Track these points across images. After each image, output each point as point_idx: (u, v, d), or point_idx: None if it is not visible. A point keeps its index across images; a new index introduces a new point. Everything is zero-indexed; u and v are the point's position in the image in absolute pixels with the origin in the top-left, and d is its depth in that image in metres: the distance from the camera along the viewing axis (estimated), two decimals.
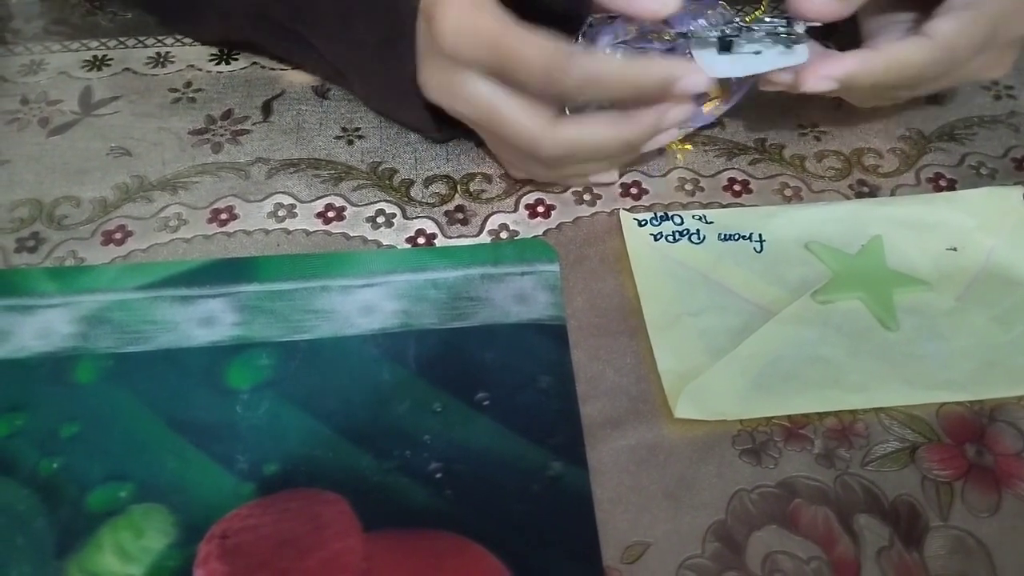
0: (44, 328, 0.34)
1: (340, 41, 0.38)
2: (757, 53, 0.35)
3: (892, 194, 0.41)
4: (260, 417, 0.32)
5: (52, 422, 0.32)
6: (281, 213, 0.39)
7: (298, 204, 0.39)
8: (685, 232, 0.38)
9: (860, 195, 0.40)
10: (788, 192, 0.40)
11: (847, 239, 0.37)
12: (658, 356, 0.33)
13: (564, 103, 0.35)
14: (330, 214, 0.39)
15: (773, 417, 0.32)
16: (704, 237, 0.37)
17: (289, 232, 0.38)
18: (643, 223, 0.38)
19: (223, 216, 0.39)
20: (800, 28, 0.35)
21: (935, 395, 0.33)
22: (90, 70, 0.46)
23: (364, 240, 0.38)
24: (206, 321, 0.35)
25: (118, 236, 0.38)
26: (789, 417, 0.32)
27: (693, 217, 0.38)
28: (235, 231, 0.38)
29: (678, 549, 0.29)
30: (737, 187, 0.41)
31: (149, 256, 0.37)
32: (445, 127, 0.38)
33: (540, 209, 0.39)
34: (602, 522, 0.29)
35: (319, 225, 0.39)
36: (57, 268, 0.37)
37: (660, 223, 0.38)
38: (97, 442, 0.31)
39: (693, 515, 0.30)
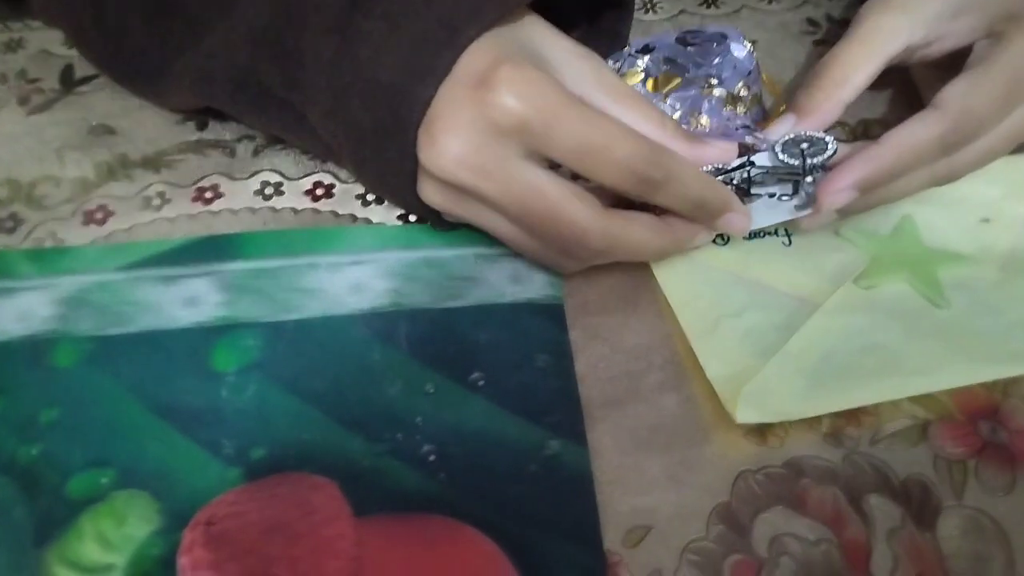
0: (23, 311, 0.33)
1: (333, 119, 0.32)
2: (771, 195, 0.33)
3: None
4: (246, 400, 0.31)
5: (31, 407, 0.30)
6: (268, 191, 0.38)
7: (285, 181, 0.38)
8: None
9: None
10: None
11: (876, 222, 0.36)
12: (704, 363, 0.31)
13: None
14: (319, 191, 0.38)
15: None
16: (728, 238, 0.36)
17: (276, 210, 0.37)
18: None
19: (208, 194, 0.38)
20: (809, 179, 0.33)
21: (1002, 369, 0.31)
22: (71, 48, 0.45)
23: (354, 218, 0.37)
24: (190, 301, 0.33)
25: (99, 216, 0.37)
26: None
27: None
28: (220, 210, 0.37)
29: (681, 532, 0.28)
30: None
31: (131, 236, 0.36)
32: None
33: None
34: (602, 505, 0.28)
35: (307, 203, 0.37)
36: (36, 249, 0.35)
37: None
38: (77, 427, 0.30)
39: (696, 497, 0.29)
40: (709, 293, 0.34)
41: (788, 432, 0.30)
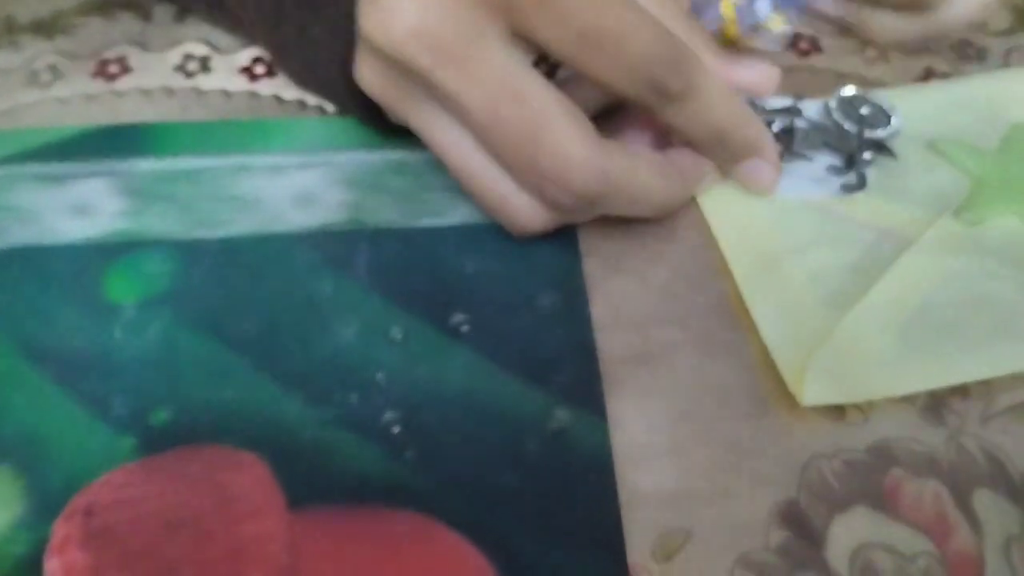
0: None
1: None
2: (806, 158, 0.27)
3: (1006, 59, 0.31)
4: (149, 343, 0.23)
5: None
6: (192, 67, 0.29)
7: (215, 55, 0.29)
8: None
9: (964, 58, 0.31)
10: (871, 54, 0.31)
11: (979, 131, 0.28)
12: (758, 318, 0.24)
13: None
14: (258, 69, 0.29)
15: None
16: None
17: (202, 92, 0.28)
18: None
19: (113, 69, 0.29)
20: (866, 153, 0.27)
21: None
22: None
23: (302, 105, 0.28)
24: (80, 209, 0.25)
25: None
26: None
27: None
28: (128, 89, 0.28)
29: (732, 540, 0.21)
30: (805, 45, 0.31)
31: (10, 121, 0.27)
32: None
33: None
34: (625, 500, 0.21)
35: (243, 84, 0.29)
36: None
37: None
38: None
39: (752, 492, 0.21)
40: (764, 219, 0.26)
41: (873, 404, 0.23)
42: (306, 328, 0.23)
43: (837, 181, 0.27)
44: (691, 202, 0.26)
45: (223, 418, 0.22)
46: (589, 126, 0.22)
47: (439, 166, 0.26)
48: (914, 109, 0.28)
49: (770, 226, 0.26)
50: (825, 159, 0.27)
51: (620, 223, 0.26)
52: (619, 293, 0.24)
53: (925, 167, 0.27)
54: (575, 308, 0.24)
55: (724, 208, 0.26)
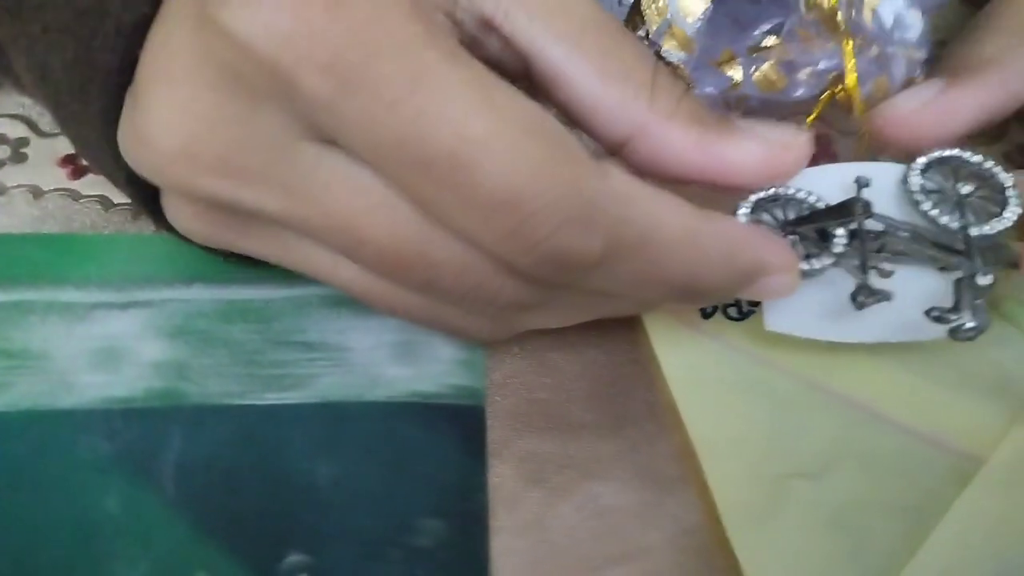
0: None
1: (20, 54, 0.17)
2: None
3: None
4: None
5: None
6: (0, 153, 0.22)
7: (34, 138, 0.22)
8: None
9: None
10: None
11: None
12: None
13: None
14: (85, 161, 0.22)
15: None
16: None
17: (3, 191, 0.21)
18: None
19: None
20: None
21: None
22: None
23: (135, 214, 0.21)
24: None
25: None
26: None
27: None
28: None
29: None
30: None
31: None
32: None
33: None
34: None
35: (61, 179, 0.22)
36: None
37: None
38: None
39: None
40: (758, 423, 0.18)
41: None
42: (72, 569, 0.16)
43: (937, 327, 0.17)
44: (645, 377, 0.19)
45: None
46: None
47: (302, 308, 0.19)
48: None
49: (768, 435, 0.18)
50: (916, 284, 0.17)
51: (554, 405, 0.18)
52: (536, 523, 0.17)
53: (987, 338, 0.19)
54: (468, 546, 0.16)
55: (703, 401, 0.18)
